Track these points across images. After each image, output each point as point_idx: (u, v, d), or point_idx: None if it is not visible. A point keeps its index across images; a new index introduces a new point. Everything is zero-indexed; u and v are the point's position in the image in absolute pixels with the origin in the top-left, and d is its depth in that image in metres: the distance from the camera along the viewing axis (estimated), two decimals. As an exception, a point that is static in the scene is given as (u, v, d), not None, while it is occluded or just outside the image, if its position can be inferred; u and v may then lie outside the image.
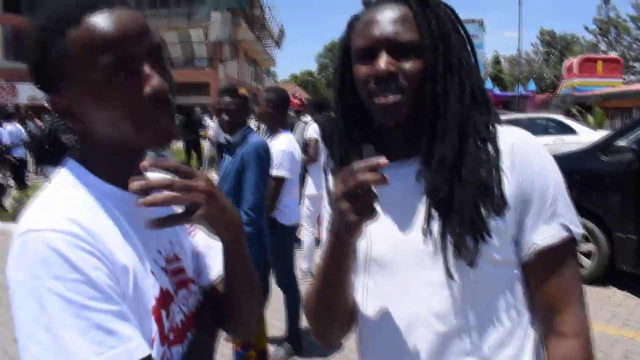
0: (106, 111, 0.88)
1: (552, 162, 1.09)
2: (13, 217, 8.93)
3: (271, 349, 3.98)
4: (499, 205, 1.03)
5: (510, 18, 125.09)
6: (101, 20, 0.86)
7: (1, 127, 11.29)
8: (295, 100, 7.17)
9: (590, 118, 18.33)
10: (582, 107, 20.12)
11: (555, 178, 1.07)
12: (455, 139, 1.04)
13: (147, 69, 0.89)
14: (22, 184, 11.21)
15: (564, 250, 1.06)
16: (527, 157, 1.06)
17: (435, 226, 1.05)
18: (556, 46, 54.08)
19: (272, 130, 4.11)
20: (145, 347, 0.83)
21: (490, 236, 1.02)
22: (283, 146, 3.93)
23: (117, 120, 0.88)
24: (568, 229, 1.05)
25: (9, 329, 4.67)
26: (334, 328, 1.20)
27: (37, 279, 0.77)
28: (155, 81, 0.88)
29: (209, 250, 1.15)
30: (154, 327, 0.89)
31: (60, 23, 0.87)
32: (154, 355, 0.86)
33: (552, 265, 1.06)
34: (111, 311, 0.80)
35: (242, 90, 3.44)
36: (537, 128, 12.68)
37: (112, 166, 0.95)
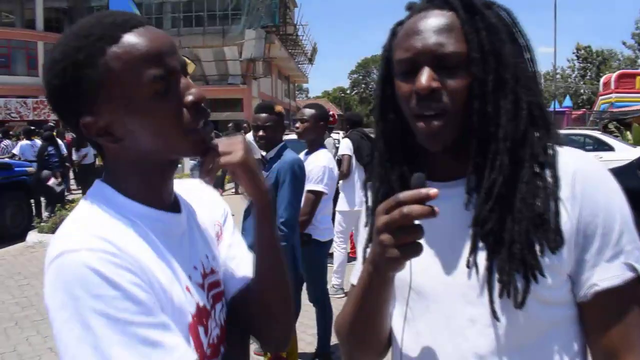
0: (153, 123, 0.89)
1: (619, 192, 0.97)
2: (52, 229, 9.13)
3: (302, 364, 3.98)
4: (555, 241, 0.91)
5: (546, 34, 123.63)
6: (140, 37, 0.88)
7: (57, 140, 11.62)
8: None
9: (628, 134, 17.91)
10: (620, 123, 19.67)
11: (622, 211, 0.95)
12: (507, 165, 0.93)
13: (184, 80, 0.92)
14: (52, 200, 11.45)
15: (627, 292, 0.93)
16: (591, 187, 0.94)
17: (482, 259, 0.95)
18: (593, 62, 53.19)
19: (312, 147, 4.13)
20: (191, 353, 0.86)
21: (544, 275, 0.91)
22: (324, 162, 3.95)
23: (164, 129, 0.90)
24: (633, 269, 0.93)
25: (47, 340, 4.79)
26: (365, 353, 1.13)
27: (77, 299, 0.78)
28: (195, 90, 0.92)
29: (231, 260, 1.13)
30: (192, 343, 0.91)
31: (98, 42, 0.87)
32: None
33: (613, 308, 0.94)
34: (154, 323, 0.81)
35: (279, 108, 3.50)
36: (573, 144, 12.39)
37: (144, 185, 0.96)
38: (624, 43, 46.79)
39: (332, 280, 5.77)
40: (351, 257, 6.60)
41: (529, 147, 0.95)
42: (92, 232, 0.85)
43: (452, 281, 0.99)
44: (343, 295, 5.78)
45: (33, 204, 10.16)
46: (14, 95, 29.81)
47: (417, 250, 0.86)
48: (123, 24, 0.89)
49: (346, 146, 5.93)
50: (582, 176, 0.95)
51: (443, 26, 0.95)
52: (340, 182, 5.94)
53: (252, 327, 1.10)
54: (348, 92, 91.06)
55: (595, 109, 26.19)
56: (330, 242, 4.27)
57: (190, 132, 0.92)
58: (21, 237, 9.10)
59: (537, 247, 0.91)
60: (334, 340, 4.44)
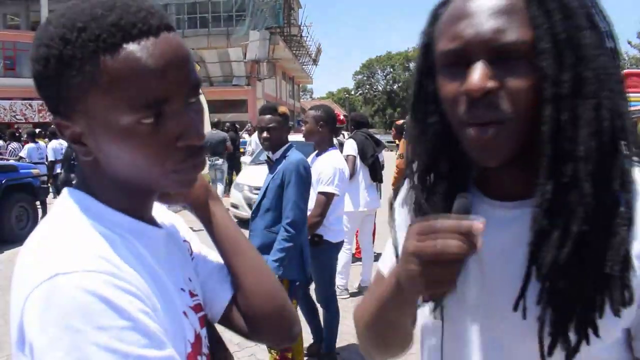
0: (132, 155, 0.75)
1: None
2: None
3: (307, 365, 3.98)
4: (623, 302, 0.74)
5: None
6: (143, 53, 0.71)
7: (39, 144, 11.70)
8: (335, 118, 7.20)
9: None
10: (626, 124, 19.60)
11: None
12: (590, 198, 0.72)
13: (185, 112, 0.76)
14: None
15: None
16: None
17: (532, 306, 0.79)
18: (598, 61, 52.96)
19: (320, 148, 4.14)
20: None
21: (599, 336, 0.76)
22: (335, 163, 3.96)
23: (143, 165, 0.76)
24: None
25: None
26: (385, 351, 1.04)
27: (77, 333, 0.63)
28: (191, 130, 0.76)
29: (210, 276, 1.01)
30: None
31: (91, 44, 0.70)
32: None
33: None
34: (166, 357, 0.69)
35: (283, 109, 3.50)
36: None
37: (124, 197, 0.82)
38: (629, 42, 46.59)
39: (337, 281, 5.75)
40: (356, 258, 6.60)
41: (612, 174, 0.74)
42: (87, 249, 0.70)
43: (493, 315, 0.85)
44: (348, 296, 5.78)
45: (39, 206, 10.19)
46: (20, 97, 29.89)
47: (447, 289, 0.73)
48: (128, 28, 0.71)
49: (350, 147, 5.92)
50: None
51: (502, 6, 0.73)
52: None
53: (254, 334, 1.01)
54: (352, 92, 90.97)
55: (600, 109, 26.05)
56: (342, 243, 4.26)
57: (172, 173, 0.77)
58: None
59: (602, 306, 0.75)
60: (339, 342, 4.44)
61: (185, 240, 1.01)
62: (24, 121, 27.63)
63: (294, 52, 38.94)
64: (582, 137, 0.73)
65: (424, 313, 0.95)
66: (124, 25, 0.71)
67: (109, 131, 0.73)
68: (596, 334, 0.75)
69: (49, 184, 10.79)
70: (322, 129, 4.06)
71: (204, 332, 0.92)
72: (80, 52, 0.70)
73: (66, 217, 0.77)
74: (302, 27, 38.88)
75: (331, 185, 3.87)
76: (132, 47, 0.71)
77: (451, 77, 0.77)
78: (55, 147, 11.52)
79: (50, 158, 11.39)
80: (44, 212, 10.46)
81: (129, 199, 0.82)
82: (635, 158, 0.78)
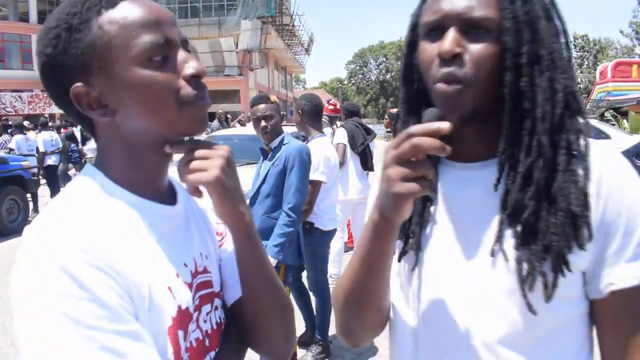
0: (148, 93, 0.84)
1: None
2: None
3: (299, 352, 3.99)
4: (585, 238, 0.88)
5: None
6: (138, 4, 0.84)
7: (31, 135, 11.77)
8: (329, 107, 7.20)
9: (625, 123, 17.93)
10: (617, 112, 19.68)
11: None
12: (548, 149, 0.88)
13: (184, 53, 0.88)
14: (56, 190, 11.48)
15: None
16: (618, 185, 0.90)
17: (509, 249, 0.91)
18: (590, 50, 53.12)
19: (308, 135, 4.15)
20: None
21: (570, 270, 0.88)
22: (319, 150, 3.94)
23: (159, 101, 0.85)
24: None
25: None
26: (363, 323, 1.06)
27: (41, 297, 0.72)
28: (195, 63, 0.87)
29: (232, 265, 1.04)
30: (170, 348, 0.84)
31: (95, 6, 0.83)
32: None
33: (629, 309, 0.90)
34: (121, 331, 0.74)
35: (273, 97, 3.50)
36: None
37: (135, 172, 0.90)
38: (621, 32, 46.75)
39: (330, 269, 5.77)
40: (348, 247, 6.62)
41: (565, 133, 0.90)
42: (73, 225, 0.79)
43: (467, 267, 0.95)
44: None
45: (30, 199, 10.14)
46: (9, 89, 29.68)
47: (424, 186, 0.81)
48: None
49: (341, 135, 5.93)
50: (609, 173, 0.91)
51: None
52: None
53: (250, 339, 1.04)
54: (345, 82, 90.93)
55: (592, 98, 26.18)
56: (334, 231, 4.27)
57: (187, 105, 0.86)
58: (17, 232, 9.09)
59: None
60: (332, 330, 4.46)
61: (218, 222, 1.06)
62: (13, 113, 27.41)
63: (286, 41, 38.84)
64: (539, 100, 0.88)
65: (400, 270, 1.05)
66: None
67: (125, 78, 0.83)
68: (568, 268, 0.87)
69: (40, 176, 10.74)
70: (305, 117, 4.06)
71: (206, 308, 0.95)
72: (86, 15, 0.83)
73: (72, 194, 0.87)
74: (294, 17, 38.72)
75: (316, 172, 3.86)
76: (128, 2, 0.84)
77: (430, 42, 0.93)
78: (46, 138, 11.46)
79: (41, 149, 11.32)
80: (35, 204, 10.42)
81: (139, 173, 0.91)
82: (585, 132, 0.93)
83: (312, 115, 4.13)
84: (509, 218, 0.90)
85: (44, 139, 11.47)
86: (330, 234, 4.20)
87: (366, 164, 5.95)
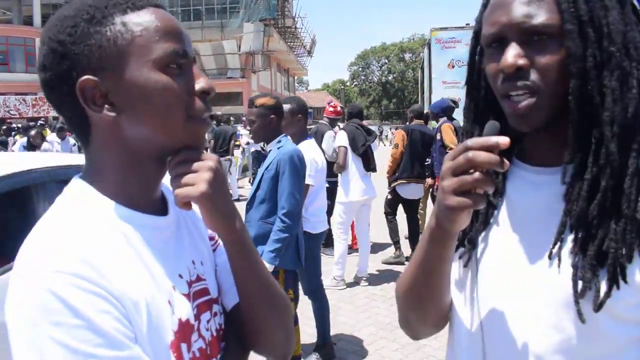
0: (160, 99, 0.83)
1: None
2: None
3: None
4: None
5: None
6: (163, 14, 0.86)
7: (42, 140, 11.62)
8: (329, 109, 7.19)
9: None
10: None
11: None
12: (615, 154, 0.83)
13: (197, 68, 0.89)
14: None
15: None
16: None
17: (566, 255, 0.88)
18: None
19: (295, 140, 4.05)
20: None
21: (626, 282, 0.83)
22: (305, 153, 3.90)
23: (169, 109, 0.84)
24: None
25: None
26: (422, 320, 1.06)
27: (35, 326, 0.70)
28: (206, 80, 0.88)
29: (227, 269, 1.03)
30: None
31: (122, 5, 0.84)
32: None
33: None
34: (120, 357, 0.73)
35: (261, 100, 3.42)
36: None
37: (128, 183, 0.87)
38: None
39: (334, 271, 5.78)
40: (352, 249, 6.62)
41: (638, 136, 0.84)
42: (65, 247, 0.76)
43: (524, 274, 0.92)
44: (345, 286, 5.80)
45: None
46: (13, 92, 29.77)
47: (477, 201, 0.80)
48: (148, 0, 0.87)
49: (341, 138, 5.93)
50: None
51: None
52: (340, 174, 5.96)
53: (251, 342, 1.03)
54: (348, 84, 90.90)
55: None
56: (323, 234, 4.27)
57: (193, 119, 0.87)
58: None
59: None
60: (336, 332, 4.47)
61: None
62: (17, 116, 27.49)
63: (289, 43, 38.86)
64: (608, 105, 0.83)
65: (459, 271, 1.03)
66: None
67: (141, 77, 0.82)
68: (624, 279, 0.82)
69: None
70: (298, 121, 4.04)
71: (206, 316, 0.94)
72: (112, 10, 0.83)
73: (60, 212, 0.84)
74: (296, 19, 38.76)
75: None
76: (153, 9, 0.85)
77: (492, 57, 0.90)
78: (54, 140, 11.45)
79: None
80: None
81: (132, 184, 0.88)
82: None
83: (300, 119, 4.09)
84: (572, 225, 0.87)
85: (52, 141, 11.46)
86: (320, 236, 4.18)
87: (368, 165, 5.95)
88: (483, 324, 0.97)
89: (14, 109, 28.47)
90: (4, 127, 15.41)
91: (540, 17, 0.84)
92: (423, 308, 1.03)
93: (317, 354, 4.12)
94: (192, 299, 0.92)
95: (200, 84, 0.87)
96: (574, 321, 0.86)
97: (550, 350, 0.88)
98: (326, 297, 4.16)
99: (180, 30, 0.87)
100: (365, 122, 6.57)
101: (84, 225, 0.80)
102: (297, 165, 3.35)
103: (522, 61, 0.85)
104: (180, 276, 0.91)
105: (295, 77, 57.82)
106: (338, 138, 6.02)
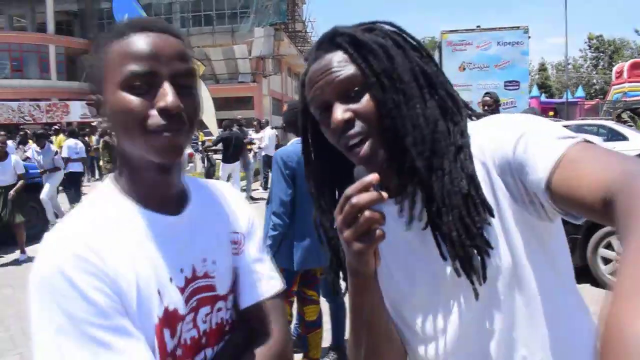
0: (121, 115, 0.94)
1: (505, 123, 0.98)
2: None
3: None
4: (486, 212, 0.95)
5: (557, 24, 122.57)
6: (140, 38, 0.96)
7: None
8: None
9: (642, 124, 17.72)
10: (634, 113, 19.48)
11: (514, 129, 0.94)
12: (423, 171, 0.97)
13: (166, 86, 0.94)
14: (78, 198, 11.58)
15: (578, 151, 0.86)
16: (491, 147, 0.97)
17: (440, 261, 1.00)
18: (605, 51, 52.65)
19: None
20: (140, 358, 0.90)
21: (491, 247, 0.95)
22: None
23: (129, 124, 0.94)
24: (566, 138, 0.88)
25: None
26: None
27: (44, 294, 0.88)
28: (169, 97, 0.93)
29: (251, 273, 1.14)
30: (156, 344, 0.96)
31: (112, 36, 0.98)
32: None
33: (574, 166, 0.85)
34: (108, 326, 0.88)
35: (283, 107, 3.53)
36: (586, 135, 12.35)
37: (137, 184, 1.02)
38: (636, 31, 46.24)
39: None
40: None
41: (444, 140, 0.98)
42: (77, 237, 0.93)
43: (425, 280, 1.04)
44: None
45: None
46: (27, 98, 30.11)
47: (374, 236, 0.88)
48: (136, 25, 0.98)
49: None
50: (484, 146, 0.98)
51: (336, 63, 1.00)
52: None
53: (253, 342, 1.11)
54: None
55: (608, 99, 25.94)
56: None
57: (153, 134, 0.94)
58: (36, 239, 9.20)
59: (475, 225, 0.94)
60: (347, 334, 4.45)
61: (235, 232, 1.15)
62: (32, 122, 27.79)
63: (299, 48, 38.96)
64: (409, 130, 0.97)
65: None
66: (134, 24, 0.98)
67: (110, 97, 0.96)
68: (489, 245, 0.95)
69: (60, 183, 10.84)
70: (286, 127, 4.01)
71: (205, 310, 1.05)
72: (105, 41, 0.99)
73: (84, 204, 1.03)
74: (306, 23, 38.88)
75: None
76: (135, 35, 0.96)
77: (325, 121, 1.02)
78: (70, 145, 11.51)
79: (64, 155, 11.43)
80: (51, 212, 10.52)
81: (141, 185, 1.02)
82: (464, 125, 1.01)
83: (290, 124, 4.01)
84: (432, 233, 0.99)
85: (69, 145, 11.52)
86: None
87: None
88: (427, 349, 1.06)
89: (28, 115, 28.80)
90: (21, 132, 15.56)
91: (347, 71, 0.99)
92: (377, 356, 1.08)
93: (334, 353, 4.13)
94: (191, 293, 1.03)
95: (159, 102, 0.94)
96: (486, 297, 0.97)
97: (498, 338, 0.99)
98: (343, 299, 4.15)
99: (151, 51, 0.95)
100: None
101: (96, 217, 0.98)
102: (280, 167, 3.51)
103: (347, 115, 0.98)
104: (182, 270, 1.02)
105: (306, 81, 57.89)
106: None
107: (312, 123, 1.09)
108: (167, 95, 0.93)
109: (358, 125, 0.98)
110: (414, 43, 1.05)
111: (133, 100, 0.93)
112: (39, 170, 9.87)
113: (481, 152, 0.98)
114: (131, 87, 0.94)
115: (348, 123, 0.98)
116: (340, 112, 0.98)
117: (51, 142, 11.45)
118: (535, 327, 0.98)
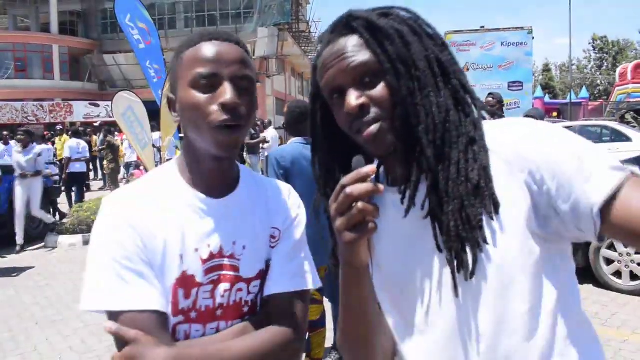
0: (190, 110, 1.13)
1: (551, 131, 0.97)
2: (71, 231, 9.22)
3: None
4: (491, 205, 0.94)
5: (561, 25, 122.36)
6: (207, 45, 1.15)
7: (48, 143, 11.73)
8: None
9: (646, 125, 17.66)
10: (638, 114, 19.42)
11: (567, 143, 0.94)
12: (431, 160, 0.97)
13: (226, 85, 1.12)
14: (82, 197, 11.61)
15: (636, 184, 0.89)
16: (524, 148, 0.95)
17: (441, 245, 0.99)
18: (609, 52, 52.49)
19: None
20: (152, 302, 1.09)
21: (487, 242, 0.94)
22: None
23: (196, 117, 1.12)
24: (621, 169, 0.90)
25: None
26: None
27: (96, 238, 1.14)
28: (227, 94, 1.11)
29: (280, 267, 1.25)
30: (170, 299, 1.14)
31: (186, 45, 1.18)
32: (170, 321, 1.13)
33: (635, 199, 0.88)
34: (130, 268, 1.10)
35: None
36: (590, 135, 12.33)
37: (192, 169, 1.21)
38: (640, 32, 46.00)
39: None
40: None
41: (455, 130, 0.98)
42: (133, 199, 1.17)
43: (420, 271, 1.03)
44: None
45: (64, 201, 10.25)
46: (31, 98, 30.14)
47: (366, 228, 0.88)
48: (206, 36, 1.17)
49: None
50: (513, 140, 0.97)
51: (350, 47, 1.00)
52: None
53: (263, 327, 1.20)
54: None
55: (612, 100, 25.86)
56: None
57: (215, 129, 1.11)
58: (41, 239, 9.22)
59: (477, 217, 0.94)
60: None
61: (274, 227, 1.27)
62: (35, 122, 27.83)
63: (303, 48, 38.94)
64: (421, 118, 0.97)
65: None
66: (204, 35, 1.17)
67: (181, 94, 1.15)
68: (485, 241, 0.94)
69: (61, 184, 10.85)
70: (287, 128, 3.99)
71: (224, 286, 1.18)
72: (180, 49, 1.20)
73: (147, 175, 1.27)
74: (310, 23, 38.86)
75: None
76: (203, 44, 1.16)
77: (339, 105, 1.03)
78: (72, 145, 11.58)
79: (66, 155, 11.47)
80: (54, 211, 10.53)
81: (196, 170, 1.21)
82: (478, 116, 1.01)
83: (290, 125, 4.01)
84: (432, 223, 0.99)
85: (70, 146, 11.58)
86: None
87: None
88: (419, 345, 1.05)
89: (32, 115, 28.82)
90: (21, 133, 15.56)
91: (361, 57, 0.99)
92: (370, 352, 1.09)
93: (336, 353, 4.12)
94: (213, 267, 1.17)
95: (220, 98, 1.11)
96: (469, 288, 0.96)
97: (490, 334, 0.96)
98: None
99: (215, 57, 1.13)
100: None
101: (151, 188, 1.20)
102: (274, 167, 3.55)
103: (361, 100, 0.98)
104: (208, 245, 1.17)
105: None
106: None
107: (322, 107, 1.10)
108: (226, 92, 1.10)
109: (373, 112, 0.99)
110: (430, 31, 1.04)
111: (198, 96, 1.11)
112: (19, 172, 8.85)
113: (501, 148, 0.97)
114: (198, 86, 1.12)
115: (363, 109, 0.99)
116: (354, 98, 0.99)
117: (38, 143, 10.55)
118: (525, 340, 0.94)
